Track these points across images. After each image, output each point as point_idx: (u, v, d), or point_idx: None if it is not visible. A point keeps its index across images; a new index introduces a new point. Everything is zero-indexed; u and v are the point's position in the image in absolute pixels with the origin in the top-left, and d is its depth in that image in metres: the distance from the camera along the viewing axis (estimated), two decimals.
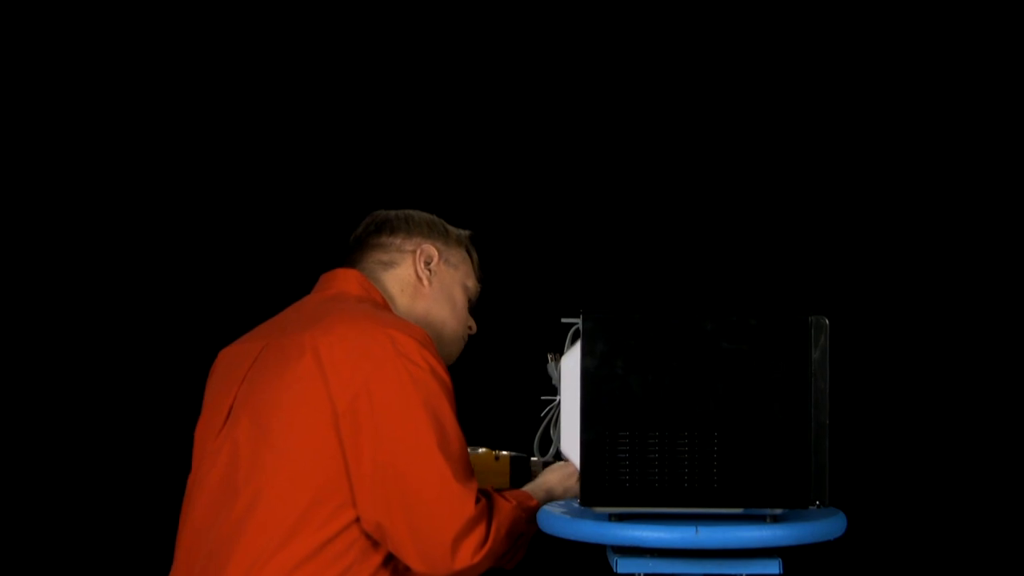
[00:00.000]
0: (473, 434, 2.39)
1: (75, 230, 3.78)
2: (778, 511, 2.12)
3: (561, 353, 2.34)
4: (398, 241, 2.56)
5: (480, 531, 2.27)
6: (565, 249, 3.76)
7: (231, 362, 2.47)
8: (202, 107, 3.79)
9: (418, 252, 2.55)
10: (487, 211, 3.53)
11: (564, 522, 2.19)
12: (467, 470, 2.32)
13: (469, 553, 2.26)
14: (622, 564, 2.16)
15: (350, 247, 2.59)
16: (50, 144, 3.76)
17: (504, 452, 2.71)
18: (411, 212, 2.61)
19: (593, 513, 2.16)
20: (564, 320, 2.34)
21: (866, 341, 3.63)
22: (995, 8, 3.67)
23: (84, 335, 3.77)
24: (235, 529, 2.30)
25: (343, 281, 2.51)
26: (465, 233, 2.65)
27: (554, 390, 2.38)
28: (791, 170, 3.74)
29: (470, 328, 2.64)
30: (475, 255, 2.65)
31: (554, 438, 2.39)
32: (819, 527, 2.14)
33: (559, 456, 2.43)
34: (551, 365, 2.41)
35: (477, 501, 2.29)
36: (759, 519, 2.12)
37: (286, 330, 2.41)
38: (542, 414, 2.39)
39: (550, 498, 2.45)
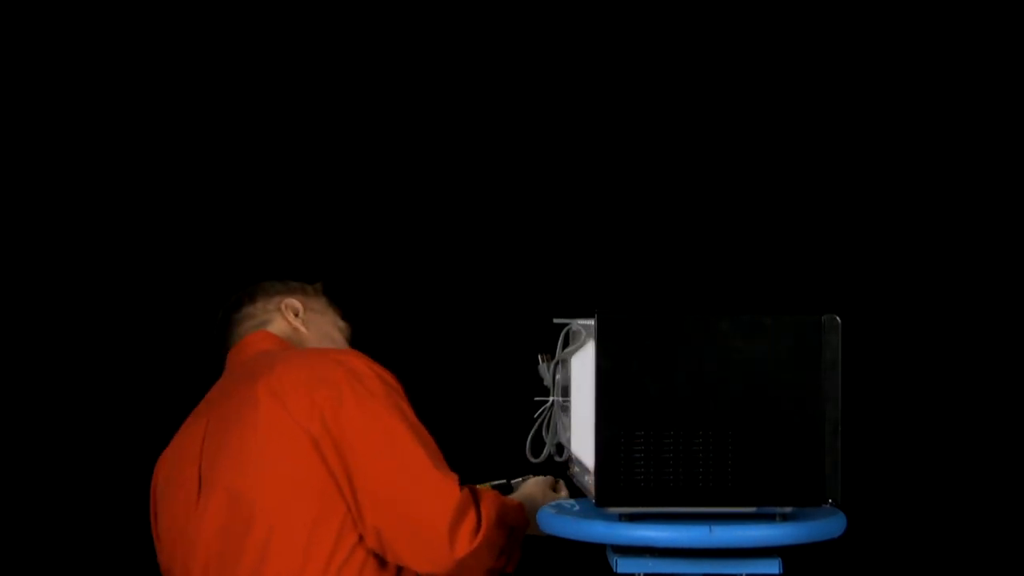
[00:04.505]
0: (465, 435, 2.38)
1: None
2: (788, 510, 2.13)
3: (552, 354, 2.34)
4: (260, 304, 2.62)
5: (472, 516, 2.31)
6: (555, 250, 3.75)
7: (177, 455, 2.49)
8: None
9: (283, 307, 2.62)
10: (478, 211, 3.50)
11: (572, 523, 2.18)
12: (443, 461, 2.37)
13: (467, 539, 2.29)
14: (622, 564, 2.16)
15: (217, 335, 2.63)
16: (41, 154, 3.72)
17: (485, 484, 2.69)
18: (259, 285, 2.66)
19: (600, 513, 2.16)
20: (556, 321, 2.34)
21: (878, 340, 3.68)
22: (996, 8, 3.73)
23: (87, 337, 3.74)
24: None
25: (255, 343, 2.55)
26: (318, 285, 2.70)
27: (545, 391, 2.38)
28: (802, 169, 3.77)
29: None
30: (335, 301, 2.71)
31: (547, 440, 2.38)
32: (821, 526, 2.16)
33: (552, 458, 2.42)
34: (542, 366, 2.40)
35: (461, 489, 2.33)
36: (768, 518, 2.13)
37: (226, 397, 2.41)
38: (535, 415, 2.38)
39: (532, 507, 2.46)
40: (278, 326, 2.61)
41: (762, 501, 2.10)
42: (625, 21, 3.80)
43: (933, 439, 3.73)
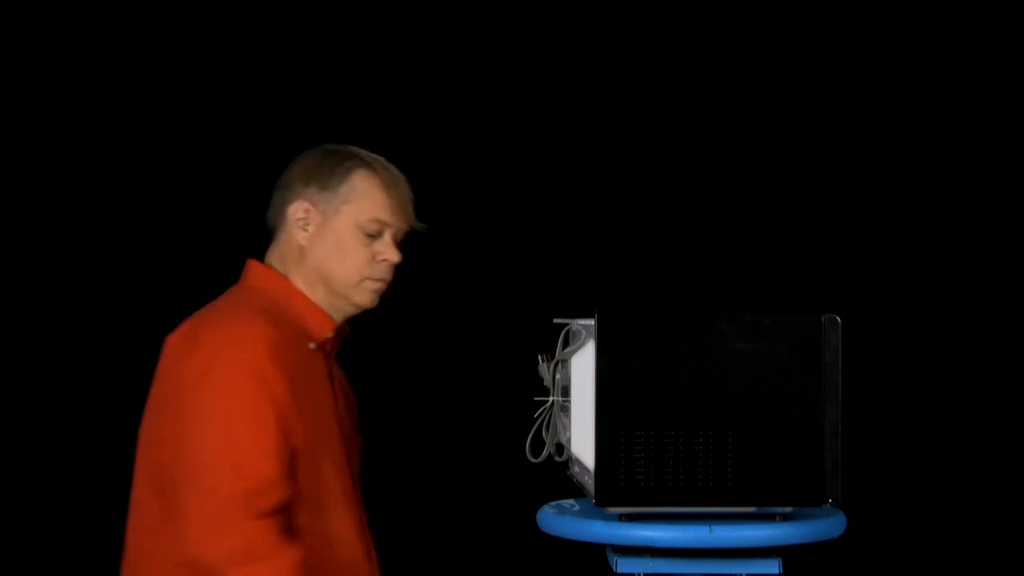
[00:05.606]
0: (465, 435, 2.36)
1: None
2: (787, 509, 2.13)
3: (552, 354, 2.34)
4: (277, 206, 2.45)
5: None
6: (555, 250, 3.74)
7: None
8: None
9: (290, 214, 2.42)
10: (479, 211, 3.48)
11: (572, 523, 2.18)
12: (249, 498, 2.17)
13: None
14: (622, 564, 2.17)
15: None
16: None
17: None
18: (289, 167, 2.47)
19: (600, 513, 2.16)
20: (556, 321, 2.34)
21: (878, 340, 3.67)
22: (996, 8, 3.73)
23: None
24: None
25: (250, 277, 2.44)
26: (352, 163, 2.42)
27: (545, 391, 2.37)
28: (802, 169, 3.77)
29: (387, 260, 2.42)
30: (379, 175, 2.43)
31: (547, 440, 2.38)
32: (821, 526, 2.16)
33: (551, 458, 2.42)
34: (542, 367, 2.39)
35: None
36: (768, 518, 2.13)
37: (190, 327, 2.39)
38: (535, 415, 2.38)
39: None
40: (284, 238, 2.43)
41: (762, 501, 2.11)
42: (625, 21, 3.79)
43: (933, 439, 3.73)
